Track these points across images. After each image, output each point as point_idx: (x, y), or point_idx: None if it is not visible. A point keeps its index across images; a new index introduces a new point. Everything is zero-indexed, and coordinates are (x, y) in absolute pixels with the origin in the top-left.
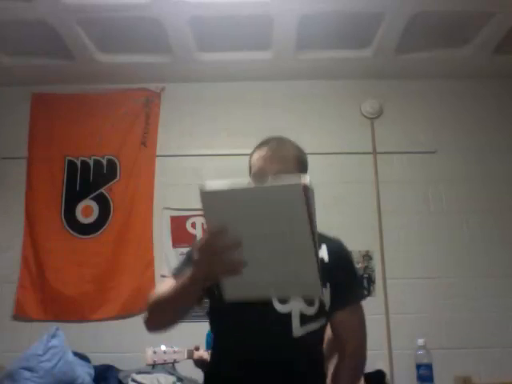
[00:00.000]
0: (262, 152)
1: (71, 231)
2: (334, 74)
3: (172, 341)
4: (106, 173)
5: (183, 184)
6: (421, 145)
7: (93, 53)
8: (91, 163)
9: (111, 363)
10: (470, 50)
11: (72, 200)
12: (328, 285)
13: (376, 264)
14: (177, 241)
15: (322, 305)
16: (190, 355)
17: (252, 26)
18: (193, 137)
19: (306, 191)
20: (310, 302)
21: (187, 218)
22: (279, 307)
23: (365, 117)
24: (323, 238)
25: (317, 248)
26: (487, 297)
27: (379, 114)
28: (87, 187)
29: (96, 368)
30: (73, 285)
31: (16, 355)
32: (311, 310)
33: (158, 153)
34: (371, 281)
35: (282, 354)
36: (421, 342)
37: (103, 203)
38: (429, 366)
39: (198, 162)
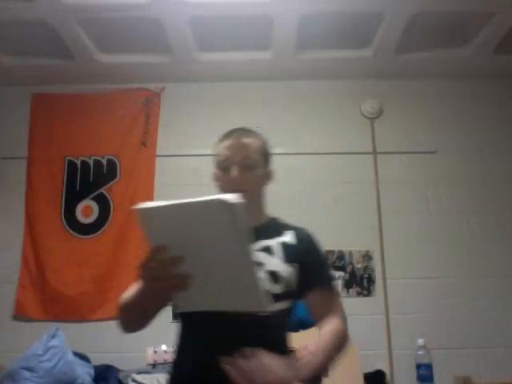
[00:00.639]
0: (227, 142)
1: (71, 231)
2: (334, 74)
3: (173, 340)
4: (105, 173)
5: (183, 184)
6: (421, 145)
7: (93, 53)
8: (91, 163)
9: (111, 363)
10: (470, 50)
11: (72, 200)
12: (296, 266)
13: (376, 264)
14: None
15: (289, 284)
16: None
17: (252, 25)
18: (193, 137)
19: (232, 208)
20: (275, 280)
21: None
22: None
23: (365, 117)
24: (291, 227)
25: (253, 264)
26: (487, 297)
27: (379, 114)
28: (87, 187)
29: (96, 368)
30: (73, 285)
31: (16, 355)
32: (277, 289)
33: (157, 153)
34: (371, 281)
35: (249, 332)
36: (421, 342)
37: (103, 203)
38: (429, 366)
39: (197, 162)
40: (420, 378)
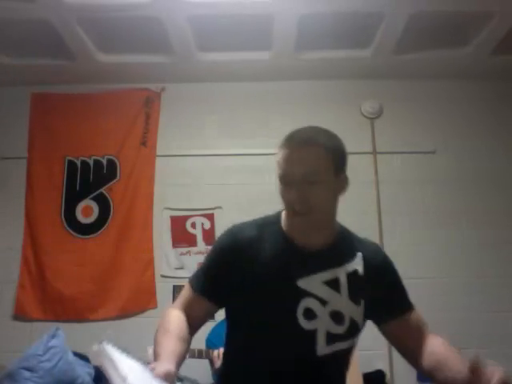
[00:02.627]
0: (287, 151)
1: (71, 231)
2: (334, 74)
3: None
4: (105, 173)
5: (183, 184)
6: (420, 145)
7: (93, 52)
8: (91, 163)
9: None
10: (470, 50)
11: (72, 200)
12: (363, 302)
13: None
14: (177, 241)
15: (353, 323)
16: (192, 354)
17: (252, 25)
18: (193, 137)
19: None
20: (338, 321)
21: (187, 218)
22: (304, 323)
23: (365, 117)
24: (360, 246)
25: None
26: (488, 297)
27: (379, 114)
28: (87, 187)
29: (96, 368)
30: (73, 285)
31: (16, 355)
32: (339, 329)
33: (158, 153)
34: None
35: (304, 372)
36: None
37: (103, 203)
38: None
39: (197, 162)
40: (420, 377)
